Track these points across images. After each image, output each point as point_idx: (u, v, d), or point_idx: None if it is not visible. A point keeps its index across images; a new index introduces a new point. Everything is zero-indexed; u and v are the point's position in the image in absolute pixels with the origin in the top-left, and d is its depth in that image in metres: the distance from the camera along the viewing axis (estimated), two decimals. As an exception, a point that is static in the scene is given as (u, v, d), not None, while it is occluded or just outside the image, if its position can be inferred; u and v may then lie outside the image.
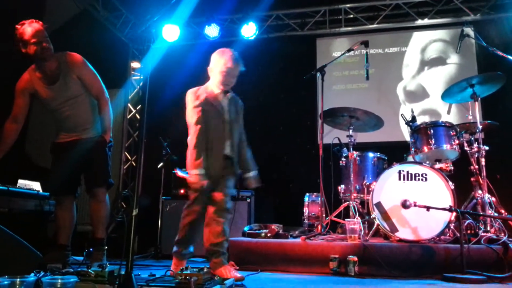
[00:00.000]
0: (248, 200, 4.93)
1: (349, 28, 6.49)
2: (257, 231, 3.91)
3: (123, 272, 2.01)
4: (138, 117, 6.97)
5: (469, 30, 4.36)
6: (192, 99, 3.13)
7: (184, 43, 6.81)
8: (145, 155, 6.80)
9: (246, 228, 4.03)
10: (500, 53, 3.92)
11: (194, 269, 2.14)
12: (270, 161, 6.14)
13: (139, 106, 7.08)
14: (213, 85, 3.20)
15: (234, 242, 3.60)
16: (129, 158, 6.88)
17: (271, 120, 6.39)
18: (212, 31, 6.49)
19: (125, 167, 6.76)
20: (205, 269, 2.12)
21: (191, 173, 2.94)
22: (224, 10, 6.53)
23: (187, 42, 6.84)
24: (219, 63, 3.15)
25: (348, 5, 6.36)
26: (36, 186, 4.20)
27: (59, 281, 2.06)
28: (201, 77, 6.32)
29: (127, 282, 1.97)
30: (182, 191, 4.87)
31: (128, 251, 2.04)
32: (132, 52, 7.07)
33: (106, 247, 3.47)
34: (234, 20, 6.65)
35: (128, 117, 6.99)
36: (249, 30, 6.40)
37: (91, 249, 3.43)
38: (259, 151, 6.13)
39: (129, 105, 7.04)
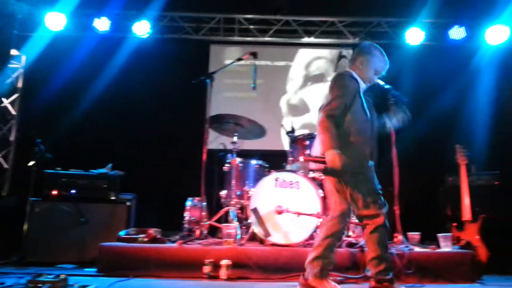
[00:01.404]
0: (129, 203, 4.76)
1: (242, 38, 6.67)
2: (133, 236, 3.81)
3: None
4: (11, 109, 6.32)
5: (347, 52, 4.73)
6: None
7: (71, 34, 6.37)
8: (16, 152, 6.25)
9: (121, 233, 3.89)
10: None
11: (49, 277, 2.01)
12: (156, 164, 6.02)
13: (13, 97, 6.41)
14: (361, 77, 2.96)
15: (106, 247, 3.47)
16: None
17: (160, 121, 6.28)
18: (102, 24, 6.21)
19: (-9, 164, 6.08)
20: (62, 276, 2.01)
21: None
22: (117, 4, 6.27)
23: (74, 33, 6.40)
24: (378, 60, 2.96)
25: (242, 16, 6.54)
26: None
27: None
28: (89, 71, 6.05)
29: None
30: (54, 192, 4.54)
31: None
32: (12, 38, 6.39)
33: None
34: (127, 16, 6.40)
35: (-2, 109, 6.30)
36: (142, 28, 6.25)
37: None
38: (146, 152, 6.05)
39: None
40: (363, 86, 2.95)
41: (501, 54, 6.37)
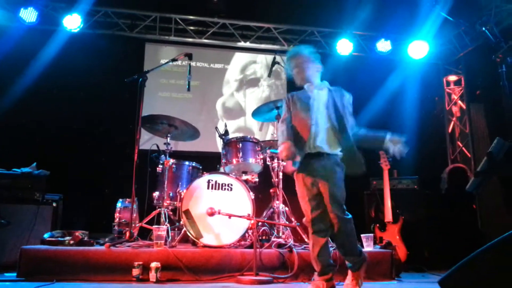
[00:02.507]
0: (55, 204, 4.55)
1: (179, 38, 6.62)
2: (59, 239, 3.65)
3: None
4: None
5: (280, 59, 4.87)
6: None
7: (-7, 23, 5.96)
8: None
9: (46, 235, 3.72)
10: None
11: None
12: (86, 163, 5.80)
13: None
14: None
15: (28, 250, 3.29)
16: None
17: (91, 120, 6.05)
18: (29, 15, 5.87)
19: None
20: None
21: None
22: (45, -5, 5.98)
23: (-3, 22, 6.00)
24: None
25: (178, 16, 6.49)
26: None
27: None
28: (14, 64, 5.68)
29: None
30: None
31: None
32: None
33: None
34: (56, 8, 6.11)
35: None
36: (72, 22, 5.98)
37: None
38: (75, 151, 5.79)
39: None
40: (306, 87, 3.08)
41: (422, 68, 6.90)
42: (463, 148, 6.90)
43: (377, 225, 4.76)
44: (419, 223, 5.12)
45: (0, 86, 5.68)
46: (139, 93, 4.20)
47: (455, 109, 7.14)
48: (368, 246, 3.90)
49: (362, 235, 3.97)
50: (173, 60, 4.48)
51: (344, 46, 6.50)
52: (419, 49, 6.53)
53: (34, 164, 4.68)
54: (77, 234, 3.67)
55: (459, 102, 7.10)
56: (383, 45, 6.56)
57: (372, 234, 4.03)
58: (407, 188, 5.41)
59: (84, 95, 6.06)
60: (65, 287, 2.97)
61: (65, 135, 5.88)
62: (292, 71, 3.11)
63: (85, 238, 3.72)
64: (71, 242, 3.62)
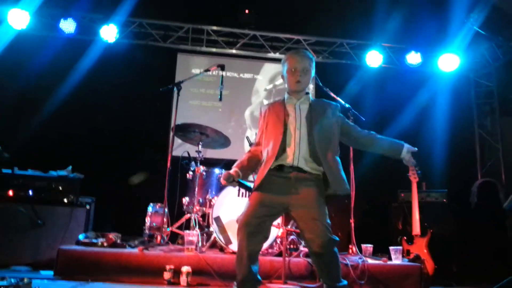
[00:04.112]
0: (88, 207, 4.70)
1: (210, 49, 6.76)
2: (93, 240, 3.79)
3: None
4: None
5: (310, 70, 4.91)
6: None
7: (36, 33, 6.22)
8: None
9: (81, 236, 3.86)
10: (332, 94, 4.53)
11: (13, 280, 2.00)
12: (117, 168, 5.97)
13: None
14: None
15: (65, 250, 3.42)
16: None
17: (123, 126, 6.22)
18: (68, 26, 6.11)
19: None
20: (26, 280, 2.00)
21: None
22: (83, 6, 6.21)
23: (39, 33, 6.26)
24: (283, 69, 2.80)
25: (210, 27, 6.63)
26: None
27: None
28: (52, 72, 5.92)
29: None
30: (10, 192, 4.40)
31: None
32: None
33: None
34: (94, 19, 6.35)
35: None
36: (109, 33, 6.18)
37: None
38: (108, 156, 5.98)
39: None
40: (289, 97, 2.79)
41: (453, 81, 6.83)
42: (494, 162, 6.77)
43: (405, 237, 4.72)
44: (447, 237, 5.04)
45: (39, 93, 5.93)
46: (172, 101, 4.33)
47: (486, 122, 7.02)
48: (396, 259, 3.88)
49: (390, 248, 3.96)
50: (206, 70, 4.61)
51: (374, 58, 6.50)
52: (449, 62, 6.47)
53: (70, 167, 4.86)
54: (110, 236, 3.79)
55: (490, 115, 6.98)
56: (413, 58, 6.52)
57: (400, 247, 4.02)
58: (436, 201, 5.35)
59: (117, 102, 6.24)
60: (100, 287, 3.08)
61: (98, 140, 6.08)
62: (288, 72, 2.74)
63: (118, 241, 3.84)
64: (105, 244, 3.74)
